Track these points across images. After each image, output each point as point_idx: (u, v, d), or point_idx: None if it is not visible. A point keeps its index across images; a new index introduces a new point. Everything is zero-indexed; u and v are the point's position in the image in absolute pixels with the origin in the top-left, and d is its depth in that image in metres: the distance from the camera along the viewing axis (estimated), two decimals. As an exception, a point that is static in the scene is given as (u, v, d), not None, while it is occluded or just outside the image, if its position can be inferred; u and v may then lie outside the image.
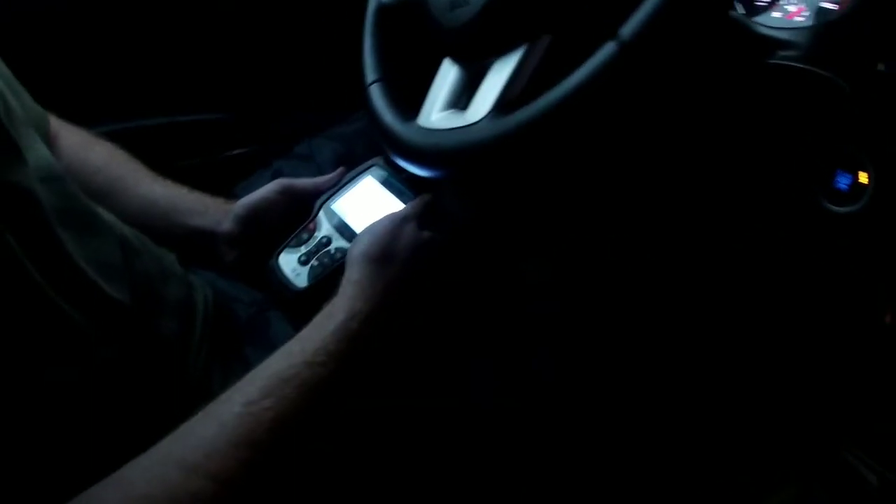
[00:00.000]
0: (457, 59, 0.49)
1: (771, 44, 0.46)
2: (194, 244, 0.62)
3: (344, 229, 0.61)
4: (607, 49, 0.36)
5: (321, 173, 0.66)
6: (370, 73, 0.53)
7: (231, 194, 0.69)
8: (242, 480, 0.41)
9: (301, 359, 0.46)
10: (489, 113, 0.43)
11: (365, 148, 0.71)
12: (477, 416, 0.56)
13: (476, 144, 0.42)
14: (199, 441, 0.41)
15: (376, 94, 0.52)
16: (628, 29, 0.36)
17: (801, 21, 0.46)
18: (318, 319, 0.49)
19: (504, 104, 0.43)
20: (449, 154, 0.44)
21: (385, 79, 0.53)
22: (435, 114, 0.48)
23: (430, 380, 0.57)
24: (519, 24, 0.42)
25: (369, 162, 0.64)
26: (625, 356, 0.65)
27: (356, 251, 0.52)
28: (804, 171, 0.46)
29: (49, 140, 0.60)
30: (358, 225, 0.61)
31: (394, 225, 0.53)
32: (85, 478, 0.38)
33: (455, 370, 0.58)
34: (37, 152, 0.46)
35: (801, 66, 0.44)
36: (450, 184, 0.63)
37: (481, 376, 0.58)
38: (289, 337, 0.48)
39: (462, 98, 0.48)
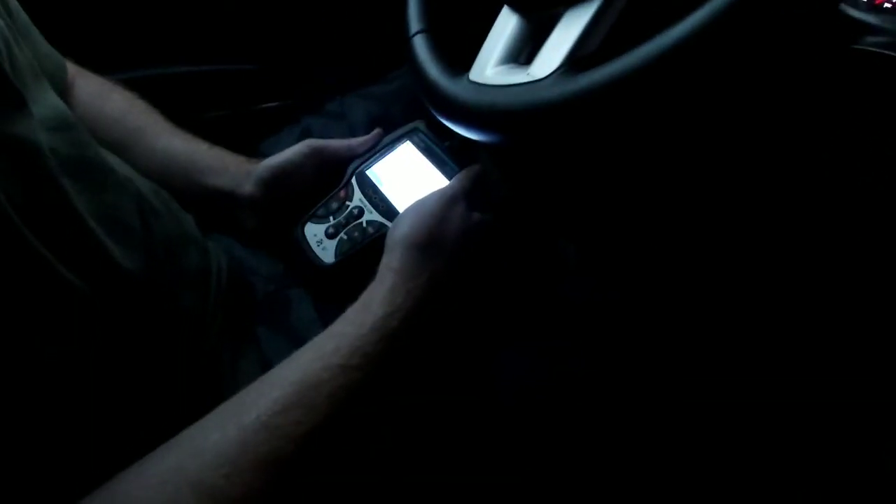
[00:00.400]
0: (518, 9, 0.43)
1: (859, 28, 0.41)
2: (213, 206, 0.58)
3: (378, 201, 0.55)
4: None
5: (353, 134, 0.62)
6: (414, 23, 0.48)
7: (257, 151, 0.65)
8: (265, 500, 0.36)
9: (335, 361, 0.41)
10: (558, 69, 0.37)
11: (402, 111, 0.66)
12: (500, 413, 0.51)
13: (542, 104, 0.36)
14: (217, 458, 0.36)
15: (420, 47, 0.47)
16: None
17: (889, 7, 0.41)
18: (353, 314, 0.44)
19: (576, 60, 0.37)
20: (507, 114, 0.38)
21: (430, 30, 0.48)
22: (490, 68, 0.42)
23: (451, 374, 0.52)
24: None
25: (410, 125, 0.59)
26: (672, 349, 0.59)
27: (398, 234, 0.47)
28: (890, 171, 0.43)
29: (65, 88, 0.57)
30: (394, 197, 0.55)
31: (442, 205, 0.47)
32: (83, 467, 0.35)
33: (479, 363, 0.53)
34: (45, 102, 0.42)
35: (889, 53, 0.39)
36: (496, 152, 0.57)
37: (506, 370, 0.53)
38: (312, 324, 0.42)
39: (523, 52, 0.43)
